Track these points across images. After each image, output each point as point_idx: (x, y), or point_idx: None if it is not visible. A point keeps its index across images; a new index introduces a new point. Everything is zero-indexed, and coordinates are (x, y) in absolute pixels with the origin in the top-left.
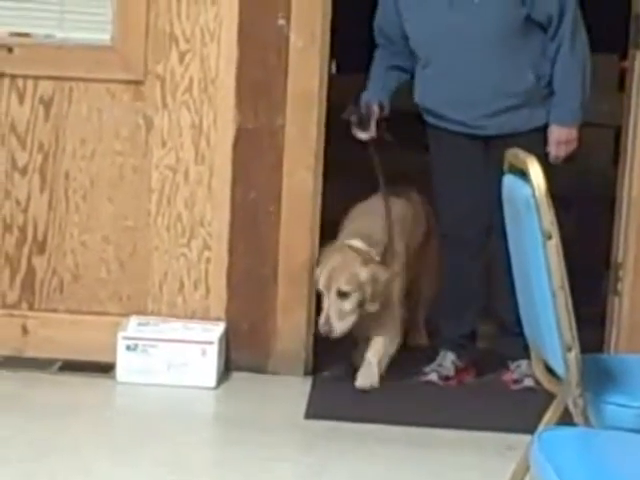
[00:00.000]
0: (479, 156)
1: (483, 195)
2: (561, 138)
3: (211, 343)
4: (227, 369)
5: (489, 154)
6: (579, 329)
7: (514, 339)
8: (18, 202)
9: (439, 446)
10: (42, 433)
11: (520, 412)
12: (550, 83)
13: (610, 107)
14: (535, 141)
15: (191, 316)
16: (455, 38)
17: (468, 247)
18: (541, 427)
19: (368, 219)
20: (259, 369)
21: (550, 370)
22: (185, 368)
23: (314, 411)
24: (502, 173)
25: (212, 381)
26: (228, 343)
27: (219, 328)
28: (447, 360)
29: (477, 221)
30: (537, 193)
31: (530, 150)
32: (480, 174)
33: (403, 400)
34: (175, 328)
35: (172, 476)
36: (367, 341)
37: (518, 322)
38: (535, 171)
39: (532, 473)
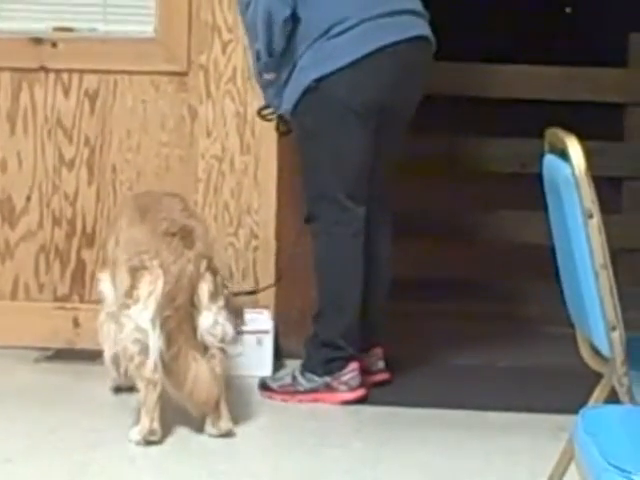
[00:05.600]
0: None
1: None
2: None
3: (266, 332)
4: (277, 357)
5: None
6: (626, 309)
7: None
8: (66, 195)
9: (490, 429)
10: (93, 425)
11: (573, 393)
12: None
13: None
14: None
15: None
16: None
17: None
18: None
19: None
20: None
21: (596, 350)
22: (241, 358)
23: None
24: None
25: (268, 370)
26: (277, 331)
27: (269, 317)
28: None
29: None
30: (577, 172)
31: None
32: None
33: (452, 384)
34: None
35: (222, 465)
36: None
37: None
38: (575, 150)
39: (576, 451)
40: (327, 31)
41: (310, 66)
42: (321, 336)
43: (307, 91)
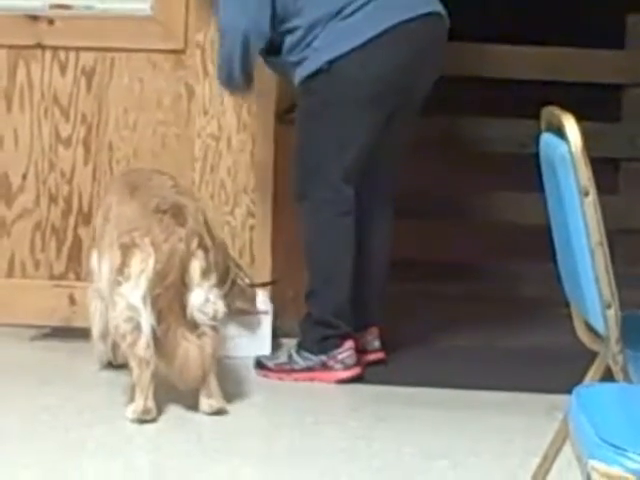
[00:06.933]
0: None
1: None
2: None
3: (266, 313)
4: (274, 336)
5: None
6: (623, 287)
7: None
8: (63, 173)
9: (485, 408)
10: (89, 402)
11: (569, 373)
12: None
13: None
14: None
15: None
16: None
17: None
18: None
19: None
20: None
21: (592, 328)
22: (240, 339)
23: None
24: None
25: (267, 350)
26: (274, 311)
27: (266, 297)
28: None
29: None
30: (573, 149)
31: None
32: None
33: (449, 363)
34: None
35: (217, 443)
36: None
37: None
38: (571, 128)
39: (570, 429)
40: (340, 11)
41: (324, 47)
42: (314, 314)
43: (319, 72)
